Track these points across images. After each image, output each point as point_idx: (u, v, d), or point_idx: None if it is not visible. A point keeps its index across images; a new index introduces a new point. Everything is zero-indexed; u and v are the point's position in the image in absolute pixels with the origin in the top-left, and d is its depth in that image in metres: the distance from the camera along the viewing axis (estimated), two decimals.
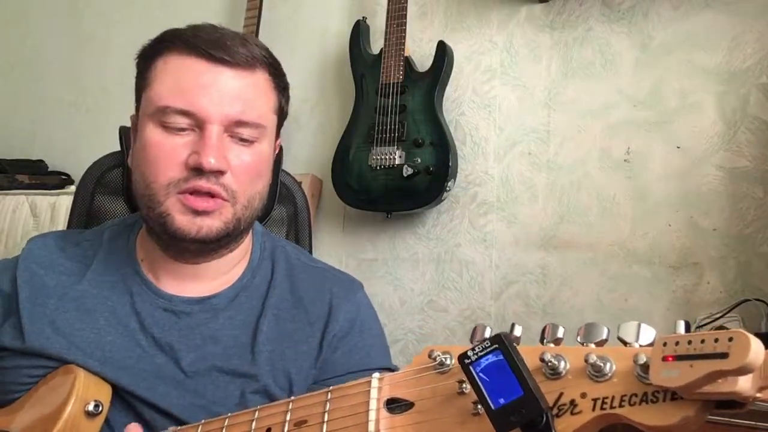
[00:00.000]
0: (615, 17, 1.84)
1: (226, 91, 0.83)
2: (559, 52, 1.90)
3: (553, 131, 1.89)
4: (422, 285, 2.01)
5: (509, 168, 1.93)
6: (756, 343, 0.38)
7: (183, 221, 0.82)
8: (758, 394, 0.40)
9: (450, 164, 1.85)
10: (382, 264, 2.06)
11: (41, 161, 2.63)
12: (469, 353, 0.46)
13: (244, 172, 0.85)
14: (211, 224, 0.83)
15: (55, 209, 2.29)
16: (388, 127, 1.89)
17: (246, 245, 0.94)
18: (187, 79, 0.83)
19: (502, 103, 1.97)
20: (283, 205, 1.23)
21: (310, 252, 1.22)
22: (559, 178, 1.87)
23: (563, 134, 1.88)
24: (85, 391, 0.76)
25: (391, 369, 0.89)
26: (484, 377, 0.46)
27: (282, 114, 0.93)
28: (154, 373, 0.83)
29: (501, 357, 0.45)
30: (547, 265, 1.84)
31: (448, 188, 1.86)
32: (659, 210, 1.74)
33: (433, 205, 1.93)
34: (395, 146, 1.87)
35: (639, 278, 1.74)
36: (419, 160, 1.85)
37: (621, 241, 1.77)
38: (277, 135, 0.94)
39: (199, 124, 0.82)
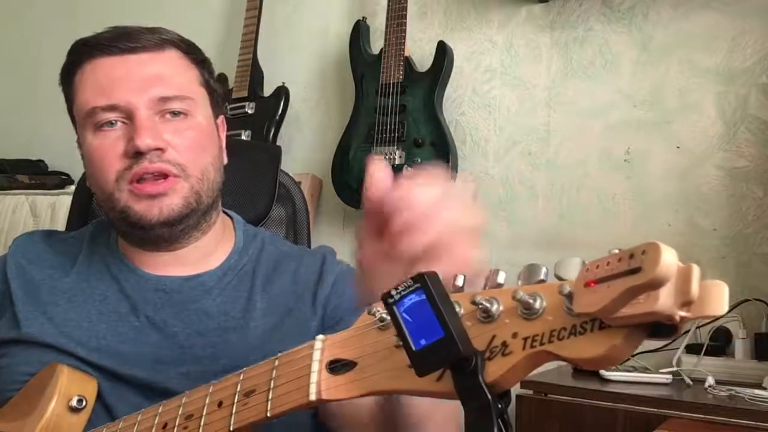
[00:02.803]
0: (615, 17, 1.84)
1: (140, 74, 0.85)
2: (559, 52, 1.90)
3: (553, 131, 1.89)
4: None
5: (509, 168, 1.93)
6: (668, 253, 0.35)
7: (141, 208, 0.83)
8: (683, 312, 0.37)
9: (450, 164, 1.85)
10: None
11: (41, 161, 2.62)
12: (392, 292, 0.44)
13: (185, 145, 0.85)
14: (170, 203, 0.83)
15: (55, 209, 2.29)
16: (388, 127, 1.89)
17: (221, 227, 0.95)
18: (103, 78, 0.86)
19: (502, 103, 1.97)
20: (281, 206, 1.22)
21: None
22: (559, 178, 1.87)
23: (563, 134, 1.87)
24: (69, 387, 0.76)
25: None
26: (407, 318, 0.43)
27: (211, 89, 0.93)
28: (152, 353, 0.84)
29: (423, 297, 0.43)
30: (547, 265, 1.84)
31: None
32: (659, 210, 1.74)
33: None
34: (395, 146, 1.87)
35: None
36: (419, 160, 1.85)
37: (621, 241, 1.76)
38: (216, 112, 0.94)
39: (127, 115, 0.84)
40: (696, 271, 0.37)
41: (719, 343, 1.50)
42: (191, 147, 0.86)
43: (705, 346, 1.46)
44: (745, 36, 1.68)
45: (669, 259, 0.35)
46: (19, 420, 0.77)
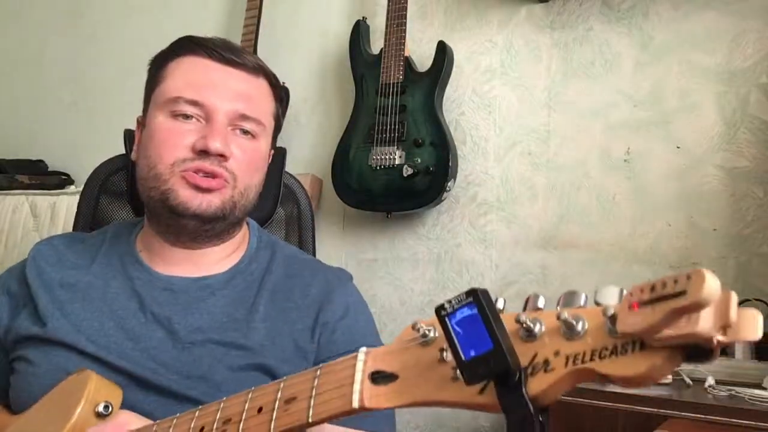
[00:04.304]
0: (615, 17, 1.84)
1: (233, 88, 0.92)
2: (559, 52, 1.90)
3: (553, 131, 1.89)
4: (422, 285, 2.01)
5: (509, 168, 1.93)
6: (712, 279, 0.39)
7: (186, 195, 0.88)
8: (720, 336, 0.40)
9: (450, 164, 1.85)
10: (382, 264, 2.06)
11: (41, 161, 2.63)
12: (446, 305, 0.48)
13: (244, 161, 0.92)
14: (211, 200, 0.89)
15: (55, 209, 2.29)
16: (388, 127, 1.89)
17: (240, 238, 0.99)
18: (199, 76, 0.92)
19: (502, 103, 1.97)
20: (285, 207, 1.23)
21: (313, 252, 1.23)
22: (559, 178, 1.87)
23: (563, 134, 1.88)
24: (96, 393, 0.77)
25: None
26: (458, 330, 0.47)
27: (278, 124, 1.00)
28: (152, 352, 0.86)
29: (475, 310, 0.46)
30: (547, 265, 1.84)
31: (448, 188, 1.86)
32: (659, 210, 1.74)
33: (433, 205, 1.93)
34: (395, 146, 1.87)
35: (639, 278, 1.73)
36: (419, 160, 1.85)
37: (621, 241, 1.77)
38: (273, 144, 1.01)
39: (206, 115, 0.90)
40: (734, 296, 0.40)
41: None
42: (248, 164, 0.92)
43: None
44: (745, 36, 1.68)
45: (713, 285, 0.39)
46: (44, 422, 0.78)
